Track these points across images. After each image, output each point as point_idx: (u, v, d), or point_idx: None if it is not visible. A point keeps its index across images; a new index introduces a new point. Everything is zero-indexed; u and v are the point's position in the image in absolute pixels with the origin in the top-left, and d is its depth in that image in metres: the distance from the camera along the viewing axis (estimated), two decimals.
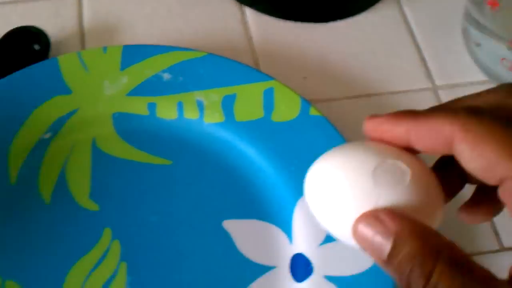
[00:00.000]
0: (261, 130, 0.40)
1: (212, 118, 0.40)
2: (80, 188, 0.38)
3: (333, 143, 0.37)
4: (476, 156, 0.24)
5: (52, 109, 0.40)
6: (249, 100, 0.40)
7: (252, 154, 0.39)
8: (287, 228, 0.38)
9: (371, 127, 0.27)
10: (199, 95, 0.41)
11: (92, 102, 0.40)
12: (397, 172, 0.26)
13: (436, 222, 0.27)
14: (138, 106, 0.41)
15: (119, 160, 0.39)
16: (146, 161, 0.39)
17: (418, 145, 0.26)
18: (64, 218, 0.37)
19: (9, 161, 0.38)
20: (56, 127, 0.39)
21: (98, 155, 0.39)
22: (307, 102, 0.40)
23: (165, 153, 0.40)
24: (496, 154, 0.23)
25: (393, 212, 0.24)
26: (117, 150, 0.40)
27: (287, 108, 0.40)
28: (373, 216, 0.24)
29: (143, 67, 0.41)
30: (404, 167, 0.26)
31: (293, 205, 0.38)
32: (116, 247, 0.36)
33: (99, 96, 0.40)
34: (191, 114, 0.41)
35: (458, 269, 0.22)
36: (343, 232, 0.26)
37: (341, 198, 0.26)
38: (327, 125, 0.39)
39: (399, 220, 0.24)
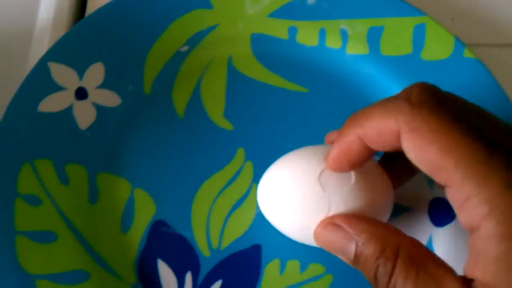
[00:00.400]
0: (408, 66, 0.37)
1: (355, 49, 0.38)
2: (215, 105, 0.37)
3: (487, 89, 0.34)
4: (421, 158, 0.23)
5: (192, 22, 0.38)
6: (397, 34, 0.38)
7: (395, 91, 0.36)
8: None
9: (338, 153, 0.27)
10: (343, 24, 0.38)
11: (232, 20, 0.38)
12: (342, 175, 0.27)
13: (387, 213, 0.29)
14: (278, 29, 0.38)
15: (254, 82, 0.38)
16: (281, 86, 0.37)
17: (376, 147, 0.25)
18: (197, 134, 0.36)
19: (144, 71, 0.37)
20: (194, 40, 0.38)
21: (233, 74, 0.38)
22: (461, 43, 0.37)
23: (302, 80, 0.38)
24: (440, 158, 0.22)
25: (348, 217, 0.26)
26: (253, 71, 0.38)
27: (438, 47, 0.37)
28: (330, 224, 0.26)
29: None
30: None
31: None
32: (248, 167, 0.35)
33: (239, 14, 0.38)
34: (333, 42, 0.38)
35: (413, 267, 0.23)
36: (302, 238, 0.29)
37: (293, 207, 0.28)
38: (482, 69, 0.36)
39: (356, 224, 0.25)
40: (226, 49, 0.38)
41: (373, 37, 0.38)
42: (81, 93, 0.35)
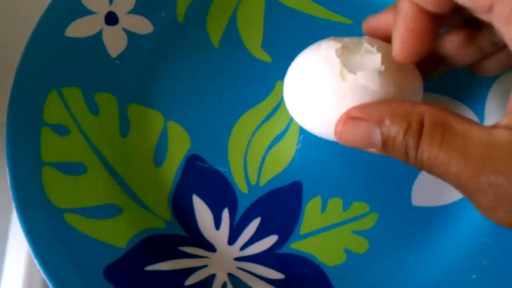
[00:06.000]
0: None
1: None
2: (252, 35, 0.31)
3: None
4: None
5: None
6: None
7: None
8: (479, 109, 0.30)
9: (402, 34, 0.23)
10: None
11: None
12: (365, 60, 0.23)
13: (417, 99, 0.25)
14: None
15: (294, 11, 0.32)
16: (323, 17, 0.32)
17: (428, 4, 0.22)
18: (233, 65, 0.31)
19: None
20: None
21: (272, 3, 0.32)
22: None
23: (345, 11, 0.32)
24: None
25: (364, 106, 0.22)
26: (293, 0, 0.32)
27: None
28: (348, 119, 0.22)
29: None
30: (374, 51, 0.23)
31: (489, 86, 0.30)
32: None
33: None
34: None
35: (437, 131, 0.20)
36: (323, 132, 0.24)
37: (315, 103, 0.24)
38: None
39: (375, 111, 0.22)
40: None
41: None
42: (111, 18, 0.30)
